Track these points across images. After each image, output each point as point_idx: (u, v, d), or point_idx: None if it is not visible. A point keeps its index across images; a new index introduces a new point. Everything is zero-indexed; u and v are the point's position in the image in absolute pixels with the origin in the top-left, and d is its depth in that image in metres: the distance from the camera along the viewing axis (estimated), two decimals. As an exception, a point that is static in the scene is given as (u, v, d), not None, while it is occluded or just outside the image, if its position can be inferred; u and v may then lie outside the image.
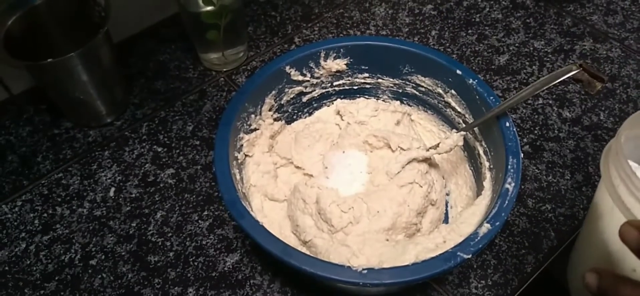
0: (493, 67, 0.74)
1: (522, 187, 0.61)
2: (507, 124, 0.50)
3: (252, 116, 0.55)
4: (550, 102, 0.69)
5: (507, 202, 0.45)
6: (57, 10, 0.63)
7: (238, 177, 0.51)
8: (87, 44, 0.57)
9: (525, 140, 0.65)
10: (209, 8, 0.63)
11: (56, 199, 0.60)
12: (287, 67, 0.56)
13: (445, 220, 0.56)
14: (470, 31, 0.79)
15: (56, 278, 0.54)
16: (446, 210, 0.57)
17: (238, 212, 0.45)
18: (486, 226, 0.43)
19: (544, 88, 0.49)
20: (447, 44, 0.77)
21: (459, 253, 0.42)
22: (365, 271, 0.40)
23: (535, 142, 0.65)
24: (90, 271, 0.54)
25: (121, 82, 0.69)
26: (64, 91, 0.62)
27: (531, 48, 0.77)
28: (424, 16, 0.82)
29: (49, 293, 0.53)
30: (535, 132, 0.66)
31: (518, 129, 0.66)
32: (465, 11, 0.82)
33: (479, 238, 0.43)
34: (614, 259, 0.43)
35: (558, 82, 0.48)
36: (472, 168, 0.58)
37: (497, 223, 0.43)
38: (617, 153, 0.41)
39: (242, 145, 0.53)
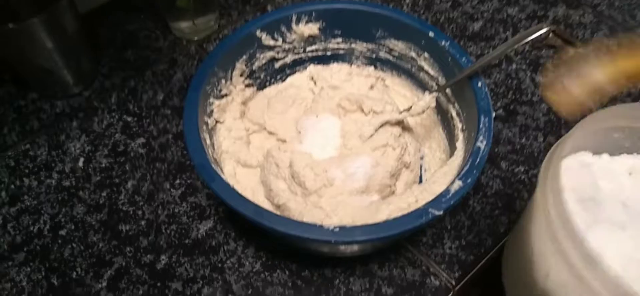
0: (467, 33, 0.74)
1: (496, 150, 0.61)
2: (479, 84, 0.50)
3: (223, 81, 0.54)
4: (524, 67, 0.70)
5: (478, 160, 0.45)
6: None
7: (209, 142, 0.50)
8: (49, 9, 0.55)
9: (499, 104, 0.66)
10: (178, -27, 0.62)
11: (23, 171, 0.58)
12: (258, 31, 0.55)
13: (419, 183, 0.56)
14: (444, -2, 0.79)
15: (25, 249, 0.52)
16: (420, 174, 0.57)
17: (209, 175, 0.44)
18: (458, 183, 0.43)
19: (515, 46, 0.49)
20: (422, 11, 0.77)
21: (430, 210, 0.42)
22: (337, 229, 0.40)
23: (508, 106, 0.65)
24: (59, 241, 0.53)
25: (89, 52, 0.67)
26: (27, 59, 0.60)
27: (505, 14, 0.77)
28: (398, -17, 0.81)
29: (17, 264, 0.51)
30: (509, 96, 0.66)
31: (492, 94, 0.66)
32: (440, -22, 0.82)
33: (450, 194, 0.43)
34: (531, 263, 0.41)
35: (532, 47, 0.48)
36: (445, 131, 0.58)
37: (469, 180, 0.43)
38: (557, 189, 0.36)
39: (212, 110, 0.52)
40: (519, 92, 0.67)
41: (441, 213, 0.42)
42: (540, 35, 0.49)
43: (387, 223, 0.41)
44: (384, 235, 0.41)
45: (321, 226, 0.41)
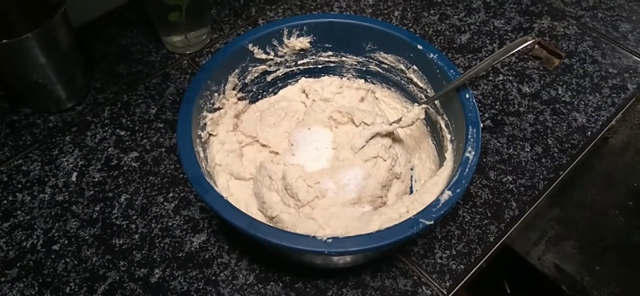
0: (455, 45, 0.75)
1: (484, 160, 0.62)
2: (467, 95, 0.51)
3: (215, 94, 0.54)
4: (511, 78, 0.71)
5: (467, 170, 0.46)
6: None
7: (202, 155, 0.51)
8: (43, 25, 0.56)
9: (486, 115, 0.67)
10: (170, -12, 0.62)
11: (16, 186, 0.58)
12: (250, 45, 0.56)
13: (410, 193, 0.57)
14: (432, 11, 0.80)
15: (18, 265, 0.53)
16: (411, 184, 0.58)
17: (202, 188, 0.44)
18: (447, 193, 0.44)
19: (502, 58, 0.50)
20: (410, 24, 0.78)
21: (421, 220, 0.43)
22: (330, 240, 0.41)
23: (496, 116, 0.67)
24: (53, 256, 0.53)
25: (82, 66, 0.67)
26: (21, 75, 0.60)
27: (491, 27, 0.78)
28: (387, -3, 0.82)
29: (10, 279, 0.51)
30: (496, 107, 0.68)
31: (479, 105, 0.67)
32: (428, -8, 0.84)
33: (440, 204, 0.44)
34: None
35: (518, 58, 0.49)
36: (434, 142, 0.59)
37: (458, 190, 0.44)
38: None
39: (205, 124, 0.53)
40: (506, 103, 0.68)
41: (432, 222, 0.43)
42: (526, 47, 0.50)
43: (379, 234, 0.42)
44: (376, 245, 0.41)
45: (314, 238, 0.41)
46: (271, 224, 0.51)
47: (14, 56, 0.57)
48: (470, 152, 0.47)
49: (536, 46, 0.75)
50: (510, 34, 0.77)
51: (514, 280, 0.94)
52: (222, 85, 0.55)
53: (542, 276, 0.94)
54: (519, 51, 0.50)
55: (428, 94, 0.57)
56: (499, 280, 0.94)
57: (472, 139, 0.48)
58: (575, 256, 1.18)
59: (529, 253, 0.95)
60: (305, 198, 0.50)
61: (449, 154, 0.53)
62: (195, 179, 0.45)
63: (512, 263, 0.90)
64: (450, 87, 0.52)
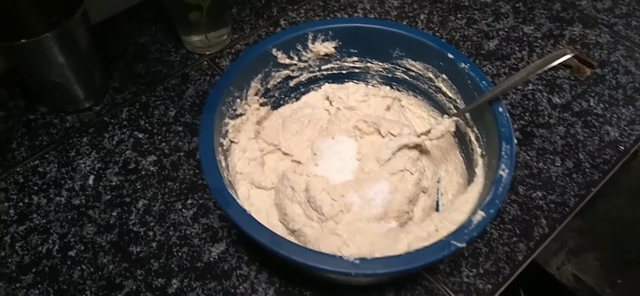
0: (483, 52, 0.73)
1: (513, 174, 0.60)
2: (500, 109, 0.49)
3: (238, 100, 0.53)
4: (540, 88, 0.69)
5: (500, 189, 0.44)
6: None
7: (223, 164, 0.49)
8: (62, 24, 0.54)
9: (515, 126, 0.64)
10: (192, -12, 0.60)
11: (32, 188, 0.57)
12: (274, 50, 0.54)
13: (435, 208, 0.55)
14: (459, 15, 0.78)
15: (33, 270, 0.51)
16: (437, 198, 0.56)
17: (224, 200, 0.43)
18: (480, 214, 0.42)
19: (538, 72, 0.48)
20: (436, 28, 0.76)
21: (452, 242, 0.41)
22: (358, 261, 0.39)
23: (525, 128, 0.64)
24: (69, 262, 0.52)
25: (99, 66, 0.66)
26: (38, 74, 0.59)
27: (520, 33, 0.76)
28: (412, -1, 0.80)
29: (25, 285, 0.50)
30: (526, 118, 0.65)
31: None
32: (454, -5, 0.81)
33: (472, 226, 0.42)
34: None
35: (550, 68, 0.47)
36: (462, 154, 0.56)
37: (491, 211, 0.42)
38: None
39: (227, 131, 0.51)
40: (536, 114, 0.66)
41: (463, 244, 0.41)
42: (565, 60, 0.48)
43: (408, 255, 0.40)
44: (405, 268, 0.39)
45: (340, 258, 0.39)
46: (293, 238, 0.49)
47: (32, 55, 0.56)
48: (503, 170, 0.45)
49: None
50: (540, 41, 0.74)
51: (531, 288, 0.92)
52: (245, 90, 0.54)
53: (560, 287, 0.92)
54: (556, 65, 0.47)
55: (457, 105, 0.55)
56: (515, 287, 0.92)
57: (505, 156, 0.46)
58: (596, 268, 1.15)
59: (548, 263, 0.93)
60: (329, 212, 0.48)
61: (479, 170, 0.50)
62: (217, 191, 0.43)
63: (529, 272, 0.89)
64: (482, 99, 0.50)
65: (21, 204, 0.56)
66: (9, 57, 0.58)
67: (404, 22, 0.76)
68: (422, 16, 0.77)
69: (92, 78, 0.64)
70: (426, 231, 0.46)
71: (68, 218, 0.55)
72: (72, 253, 0.52)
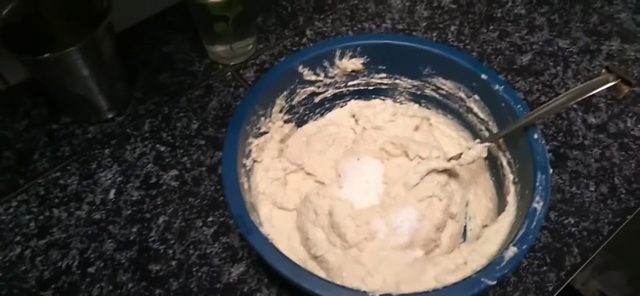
0: (515, 66, 0.70)
1: (547, 202, 0.57)
2: (536, 136, 0.47)
3: (262, 118, 0.51)
4: (575, 106, 0.66)
5: (534, 223, 0.42)
6: (56, -1, 0.59)
7: (246, 186, 0.48)
8: (87, 37, 0.53)
9: (548, 147, 0.61)
10: (217, -1, 0.59)
11: (53, 201, 0.57)
12: (300, 67, 0.53)
13: (463, 232, 0.53)
14: (491, 27, 0.75)
15: (53, 286, 0.51)
16: (464, 222, 0.54)
17: (246, 228, 0.42)
18: (512, 250, 0.40)
19: (579, 99, 0.46)
20: (467, 41, 0.73)
21: (483, 279, 0.39)
22: (383, 298, 0.37)
23: (558, 149, 0.62)
24: (88, 279, 0.51)
25: (123, 76, 0.65)
26: (62, 87, 0.58)
27: (555, 47, 0.73)
28: (443, 9, 0.77)
29: (44, 302, 0.50)
30: (559, 139, 0.63)
31: (541, 135, 0.62)
32: (487, 5, 0.78)
33: (504, 262, 0.40)
34: None
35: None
36: (493, 179, 0.54)
37: (524, 247, 0.40)
38: None
39: (250, 151, 0.50)
40: (569, 135, 0.63)
41: (495, 282, 0.39)
42: (608, 87, 0.45)
43: (436, 293, 0.38)
44: (433, 307, 0.38)
45: (365, 293, 0.38)
46: (315, 264, 0.48)
47: (56, 69, 0.55)
48: (538, 202, 0.43)
49: (603, 71, 0.69)
50: (575, 56, 0.71)
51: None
52: (269, 108, 0.52)
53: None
54: (599, 91, 0.45)
55: (489, 127, 0.53)
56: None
57: (540, 188, 0.44)
58: (624, 287, 1.11)
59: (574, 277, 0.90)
60: (354, 239, 0.46)
61: (511, 198, 0.48)
62: (239, 217, 0.42)
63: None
64: (517, 125, 0.48)
65: (42, 217, 0.56)
66: (34, 69, 0.57)
67: (434, 34, 0.74)
68: (452, 28, 0.75)
69: (116, 89, 0.63)
70: (454, 263, 0.44)
71: (88, 233, 0.54)
72: (91, 270, 0.52)
